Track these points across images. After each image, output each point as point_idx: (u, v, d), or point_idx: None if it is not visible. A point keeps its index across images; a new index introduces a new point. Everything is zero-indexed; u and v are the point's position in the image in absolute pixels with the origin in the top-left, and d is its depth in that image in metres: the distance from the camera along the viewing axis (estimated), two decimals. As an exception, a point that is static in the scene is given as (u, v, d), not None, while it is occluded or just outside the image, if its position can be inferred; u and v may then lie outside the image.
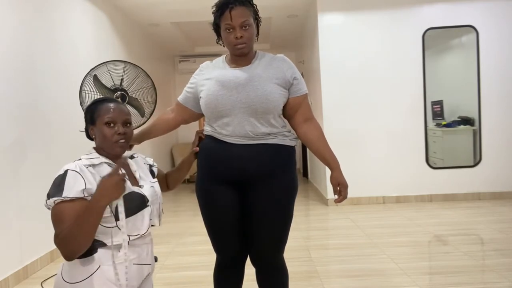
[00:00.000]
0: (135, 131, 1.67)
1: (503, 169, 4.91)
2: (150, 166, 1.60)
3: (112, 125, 1.38)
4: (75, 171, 1.29)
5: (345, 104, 4.93)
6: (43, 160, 3.16)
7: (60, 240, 1.22)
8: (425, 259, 2.92)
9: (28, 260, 2.94)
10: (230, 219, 1.64)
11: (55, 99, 3.38)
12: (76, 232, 1.20)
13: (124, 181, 1.26)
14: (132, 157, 1.54)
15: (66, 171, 1.29)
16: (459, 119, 5.09)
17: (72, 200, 1.25)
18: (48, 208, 1.29)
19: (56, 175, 1.30)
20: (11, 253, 2.77)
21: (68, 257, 1.24)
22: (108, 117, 1.38)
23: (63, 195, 1.24)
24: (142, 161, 1.58)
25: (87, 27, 4.14)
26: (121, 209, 1.31)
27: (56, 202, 1.25)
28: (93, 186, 1.29)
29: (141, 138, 1.80)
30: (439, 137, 5.09)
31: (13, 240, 2.79)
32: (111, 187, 1.22)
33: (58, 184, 1.27)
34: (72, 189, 1.25)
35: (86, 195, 1.27)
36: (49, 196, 1.26)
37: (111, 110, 1.39)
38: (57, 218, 1.25)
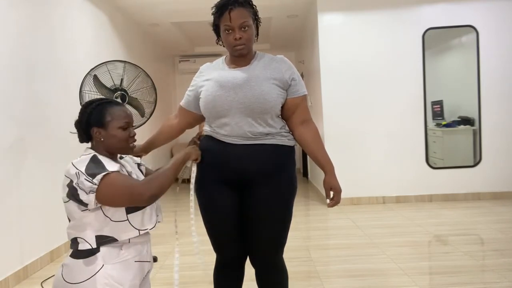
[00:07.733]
0: (141, 138, 1.69)
1: (503, 169, 4.91)
2: (139, 165, 1.60)
3: (125, 129, 1.43)
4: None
5: (345, 104, 4.93)
6: (43, 160, 3.16)
7: (153, 188, 1.31)
8: (425, 259, 2.92)
9: (28, 260, 2.94)
10: (229, 219, 1.64)
11: (55, 99, 3.38)
12: (168, 183, 1.38)
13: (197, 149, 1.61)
14: (121, 157, 1.54)
15: (94, 155, 1.33)
16: (459, 119, 5.08)
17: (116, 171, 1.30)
18: (88, 193, 1.26)
19: (85, 163, 1.29)
20: (11, 253, 2.77)
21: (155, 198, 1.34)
22: (125, 122, 1.41)
23: (108, 170, 1.28)
24: (132, 161, 1.58)
25: (87, 27, 4.14)
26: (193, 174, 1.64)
27: (103, 176, 1.27)
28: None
29: (148, 148, 1.80)
30: (439, 137, 5.09)
31: (13, 240, 2.79)
32: (192, 149, 1.57)
33: (96, 165, 1.29)
34: (110, 165, 1.31)
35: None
36: (93, 176, 1.26)
37: (125, 115, 1.43)
38: (117, 186, 1.27)
